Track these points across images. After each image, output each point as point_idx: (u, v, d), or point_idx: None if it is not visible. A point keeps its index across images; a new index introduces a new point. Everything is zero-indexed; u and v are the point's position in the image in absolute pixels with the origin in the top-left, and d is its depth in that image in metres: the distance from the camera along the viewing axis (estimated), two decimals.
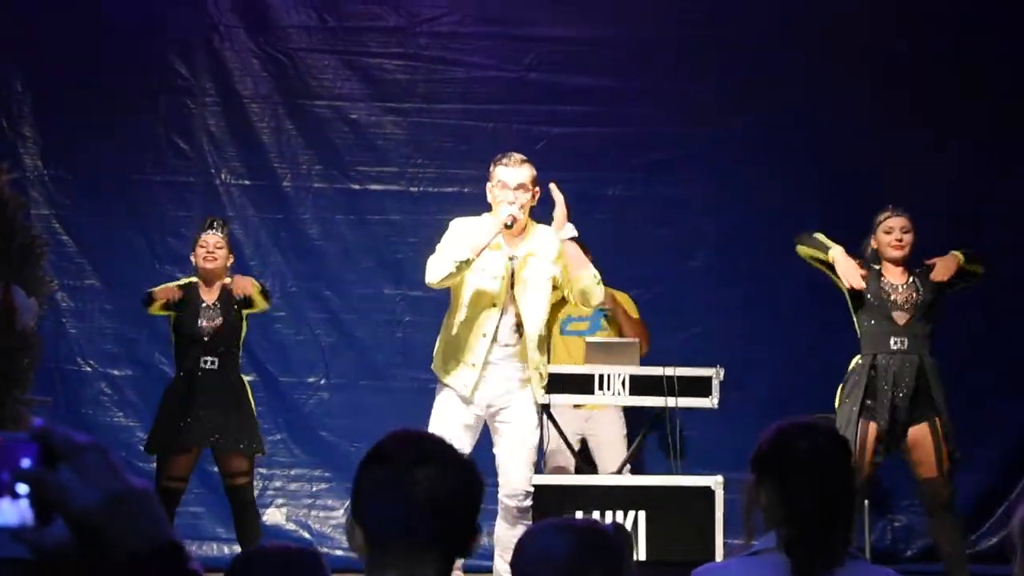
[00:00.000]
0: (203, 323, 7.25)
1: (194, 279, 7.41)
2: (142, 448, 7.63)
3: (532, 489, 6.39)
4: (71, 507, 1.31)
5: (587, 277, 6.37)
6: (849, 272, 6.84)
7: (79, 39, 8.64)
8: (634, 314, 8.18)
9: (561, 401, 7.10)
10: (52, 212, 8.59)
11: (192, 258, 7.43)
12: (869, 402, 6.80)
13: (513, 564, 2.75)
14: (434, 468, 2.38)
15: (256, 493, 7.65)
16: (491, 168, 6.40)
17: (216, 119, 8.79)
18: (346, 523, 2.45)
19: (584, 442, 8.09)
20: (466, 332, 6.34)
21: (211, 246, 7.31)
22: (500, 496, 6.36)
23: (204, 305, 7.30)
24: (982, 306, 8.28)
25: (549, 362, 6.75)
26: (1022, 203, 8.56)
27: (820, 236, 6.95)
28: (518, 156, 6.38)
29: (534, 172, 6.37)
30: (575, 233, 6.40)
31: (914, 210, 6.99)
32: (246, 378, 7.45)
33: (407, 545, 2.36)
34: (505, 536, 6.32)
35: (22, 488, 1.32)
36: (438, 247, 6.32)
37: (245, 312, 7.37)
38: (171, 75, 8.76)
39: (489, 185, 6.39)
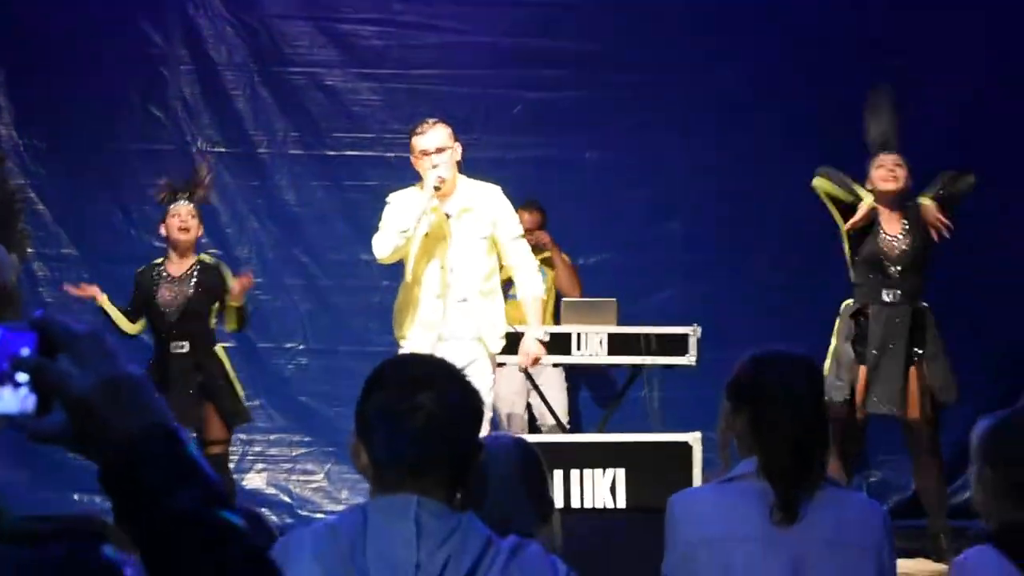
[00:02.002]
0: (165, 295, 7.12)
1: (157, 261, 7.30)
2: None
3: None
4: (70, 394, 1.33)
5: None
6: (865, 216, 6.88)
7: (52, 8, 8.61)
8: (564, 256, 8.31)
9: (545, 361, 7.11)
10: (27, 181, 8.55)
11: (162, 229, 7.27)
12: (860, 348, 6.87)
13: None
14: (434, 392, 2.42)
15: (236, 458, 7.68)
16: (410, 141, 6.49)
17: (191, 87, 8.78)
18: (351, 443, 2.49)
19: (528, 401, 8.15)
20: (418, 294, 6.46)
21: (184, 215, 7.18)
22: None
23: (168, 278, 7.17)
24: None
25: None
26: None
27: (851, 181, 6.95)
28: (429, 120, 6.50)
29: (449, 129, 6.47)
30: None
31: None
32: (223, 347, 7.33)
33: (412, 468, 2.41)
34: None
35: (22, 377, 1.34)
36: (380, 224, 6.45)
37: (212, 305, 7.20)
38: (145, 43, 8.74)
39: (412, 158, 6.50)
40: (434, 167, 6.32)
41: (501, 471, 2.97)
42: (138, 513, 1.31)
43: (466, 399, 2.48)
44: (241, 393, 7.28)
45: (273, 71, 8.81)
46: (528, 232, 7.98)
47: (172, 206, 7.23)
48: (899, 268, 6.90)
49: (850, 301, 7.02)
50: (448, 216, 6.43)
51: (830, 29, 8.78)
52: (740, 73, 8.72)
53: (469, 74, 8.78)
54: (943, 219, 6.85)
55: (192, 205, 7.24)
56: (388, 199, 6.54)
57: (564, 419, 7.89)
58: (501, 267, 6.68)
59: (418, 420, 2.40)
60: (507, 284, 7.99)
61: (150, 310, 7.18)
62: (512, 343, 6.68)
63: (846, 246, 7.02)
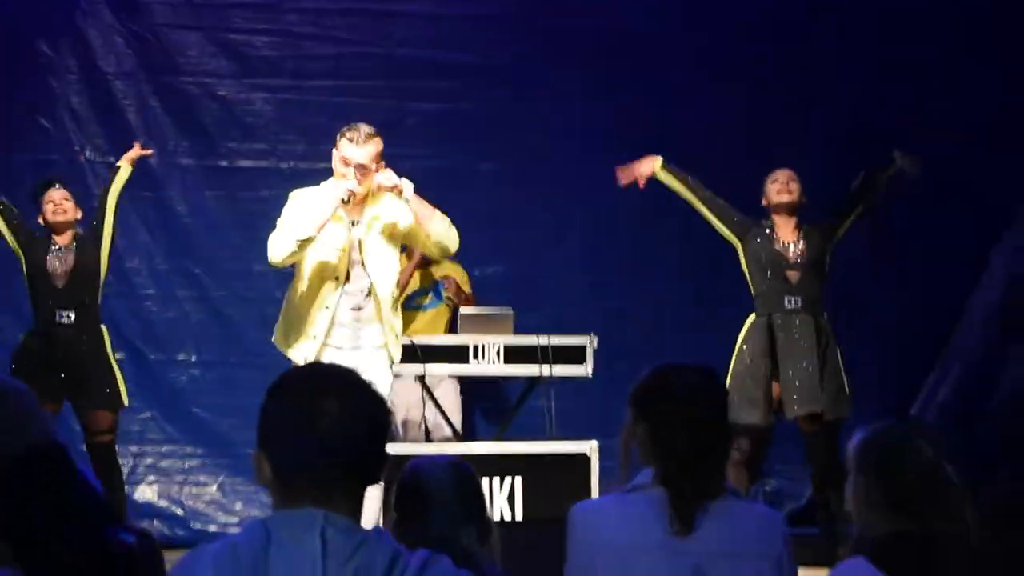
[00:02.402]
0: (56, 266, 7.17)
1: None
2: None
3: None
4: None
5: (438, 226, 6.26)
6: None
7: None
8: (467, 288, 8.26)
9: (437, 372, 7.10)
10: None
11: (40, 219, 7.32)
12: (769, 360, 6.95)
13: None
14: (340, 399, 2.36)
15: (127, 471, 7.57)
16: (338, 137, 6.23)
17: (79, 96, 8.66)
18: (253, 455, 2.41)
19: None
20: (308, 304, 6.26)
21: (58, 199, 7.28)
22: None
23: (55, 247, 7.23)
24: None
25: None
26: None
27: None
28: (365, 130, 6.21)
29: (380, 146, 6.20)
30: (411, 186, 6.23)
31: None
32: (104, 330, 7.31)
33: (316, 478, 2.34)
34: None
35: None
36: (279, 221, 6.21)
37: (98, 277, 7.26)
38: (33, 53, 8.60)
39: (335, 152, 6.24)
40: (355, 176, 6.12)
41: (440, 493, 2.96)
42: (22, 528, 1.28)
43: (372, 407, 2.41)
44: (120, 377, 7.23)
45: (164, 81, 8.72)
46: None
47: (46, 193, 7.29)
48: (798, 273, 7.01)
49: (753, 316, 7.09)
50: (354, 224, 6.25)
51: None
52: (637, 86, 8.78)
53: (364, 85, 8.75)
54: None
55: (64, 190, 7.31)
56: (291, 195, 6.29)
57: (459, 429, 7.89)
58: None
59: (323, 427, 2.33)
60: (410, 298, 8.00)
61: (37, 278, 7.21)
62: (407, 354, 6.64)
63: (742, 259, 7.12)
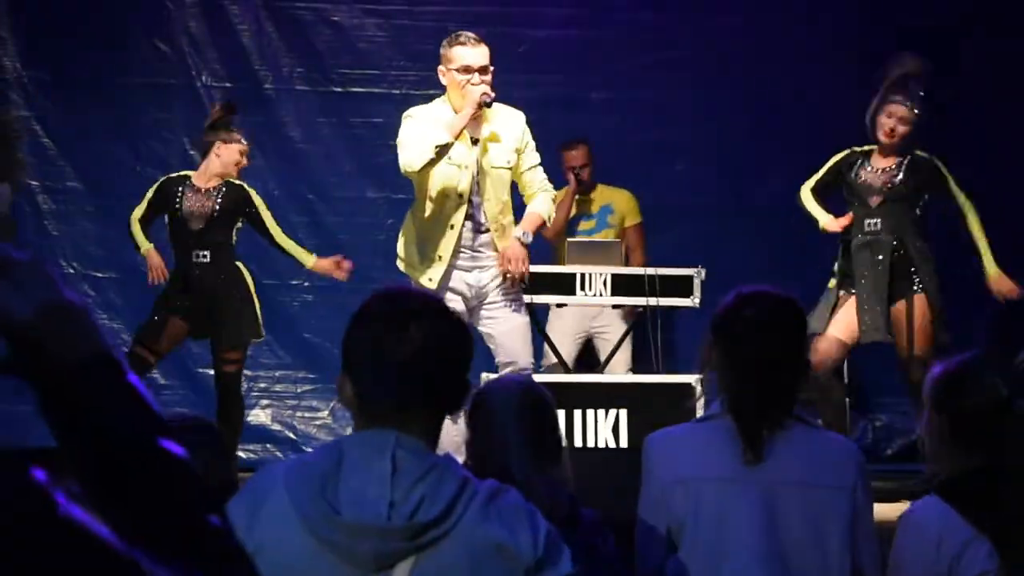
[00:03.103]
0: (190, 204, 7.24)
1: (185, 173, 7.40)
2: (126, 350, 7.61)
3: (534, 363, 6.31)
4: (9, 320, 1.30)
5: (547, 213, 6.38)
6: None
7: None
8: (635, 217, 8.18)
9: (542, 301, 7.08)
10: (32, 114, 8.54)
11: (215, 153, 7.32)
12: (848, 280, 6.87)
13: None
14: (422, 325, 2.38)
15: (242, 393, 7.65)
16: (445, 50, 6.20)
17: (196, 21, 8.72)
18: (338, 377, 2.46)
19: (590, 340, 8.12)
20: (432, 224, 6.22)
21: (246, 157, 7.38)
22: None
23: (194, 188, 7.29)
24: None
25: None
26: None
27: (809, 203, 7.04)
28: (472, 35, 6.21)
29: (489, 50, 6.22)
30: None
31: None
32: (242, 267, 7.42)
33: (397, 403, 2.37)
34: None
35: None
36: (401, 139, 6.17)
37: (237, 222, 7.37)
38: None
39: (443, 68, 6.20)
40: (478, 83, 6.07)
41: (502, 413, 2.98)
42: (80, 441, 1.29)
43: (455, 336, 2.43)
44: (259, 312, 7.37)
45: (279, 6, 8.76)
46: (581, 168, 7.97)
47: (229, 134, 7.33)
48: (880, 199, 6.87)
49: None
50: (475, 141, 6.20)
51: None
52: (750, 12, 8.65)
53: (476, 10, 8.69)
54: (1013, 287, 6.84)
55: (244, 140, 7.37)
56: (408, 114, 6.24)
57: (624, 359, 7.86)
58: None
59: (404, 353, 2.36)
60: (572, 223, 7.98)
61: (173, 220, 7.31)
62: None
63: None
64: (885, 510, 4.18)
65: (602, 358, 7.94)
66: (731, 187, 8.64)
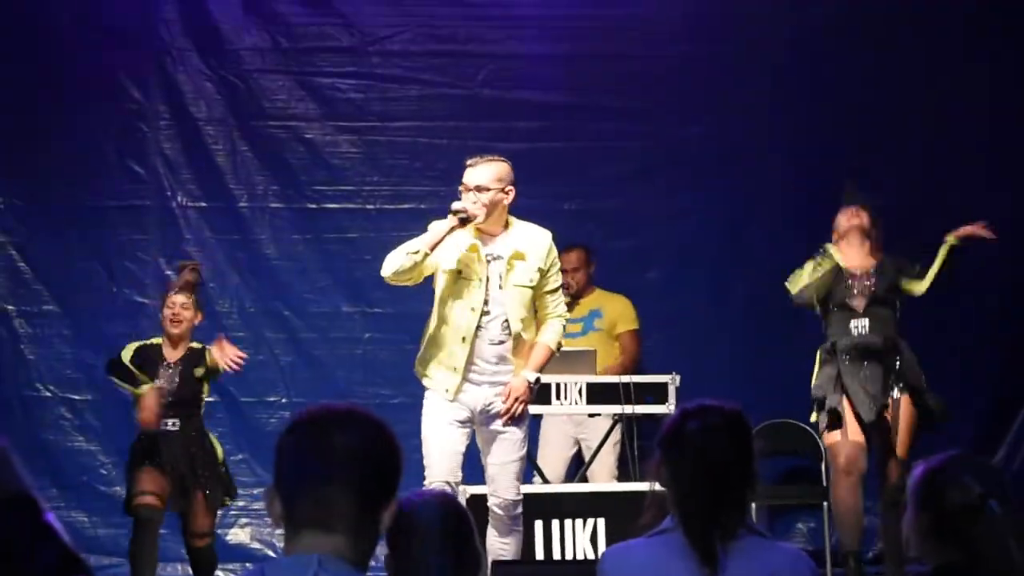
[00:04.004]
0: (162, 383, 7.15)
1: (156, 341, 7.31)
2: (103, 472, 7.60)
3: (521, 498, 6.28)
4: None
5: (556, 343, 6.41)
6: None
7: (31, 64, 8.64)
8: (628, 324, 8.23)
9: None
10: (7, 239, 8.59)
11: (161, 316, 7.32)
12: (842, 384, 6.86)
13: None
14: (348, 435, 2.34)
15: (220, 513, 7.62)
16: None
17: (170, 142, 8.79)
18: (265, 493, 2.41)
19: (579, 446, 8.12)
20: (445, 335, 6.25)
21: (177, 307, 7.23)
22: (490, 505, 6.24)
23: (164, 364, 7.21)
24: None
25: None
26: None
27: (808, 267, 7.02)
28: (485, 156, 6.35)
29: (499, 170, 6.27)
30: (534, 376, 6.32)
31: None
32: (213, 435, 7.36)
33: (317, 515, 2.31)
34: (495, 544, 6.22)
35: None
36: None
37: (206, 379, 7.27)
38: (124, 99, 8.76)
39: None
40: (472, 201, 6.19)
41: (423, 528, 2.98)
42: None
43: (382, 446, 2.39)
44: (228, 476, 7.32)
45: (252, 125, 8.83)
46: (571, 272, 8.00)
47: (169, 296, 7.28)
48: (862, 298, 6.92)
49: (825, 344, 7.02)
50: (496, 258, 6.25)
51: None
52: (719, 125, 8.78)
53: (448, 126, 8.80)
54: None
55: (187, 297, 7.26)
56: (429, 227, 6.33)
57: (609, 467, 7.86)
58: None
59: (328, 462, 2.32)
60: None
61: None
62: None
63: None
64: None
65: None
66: (707, 291, 8.71)
